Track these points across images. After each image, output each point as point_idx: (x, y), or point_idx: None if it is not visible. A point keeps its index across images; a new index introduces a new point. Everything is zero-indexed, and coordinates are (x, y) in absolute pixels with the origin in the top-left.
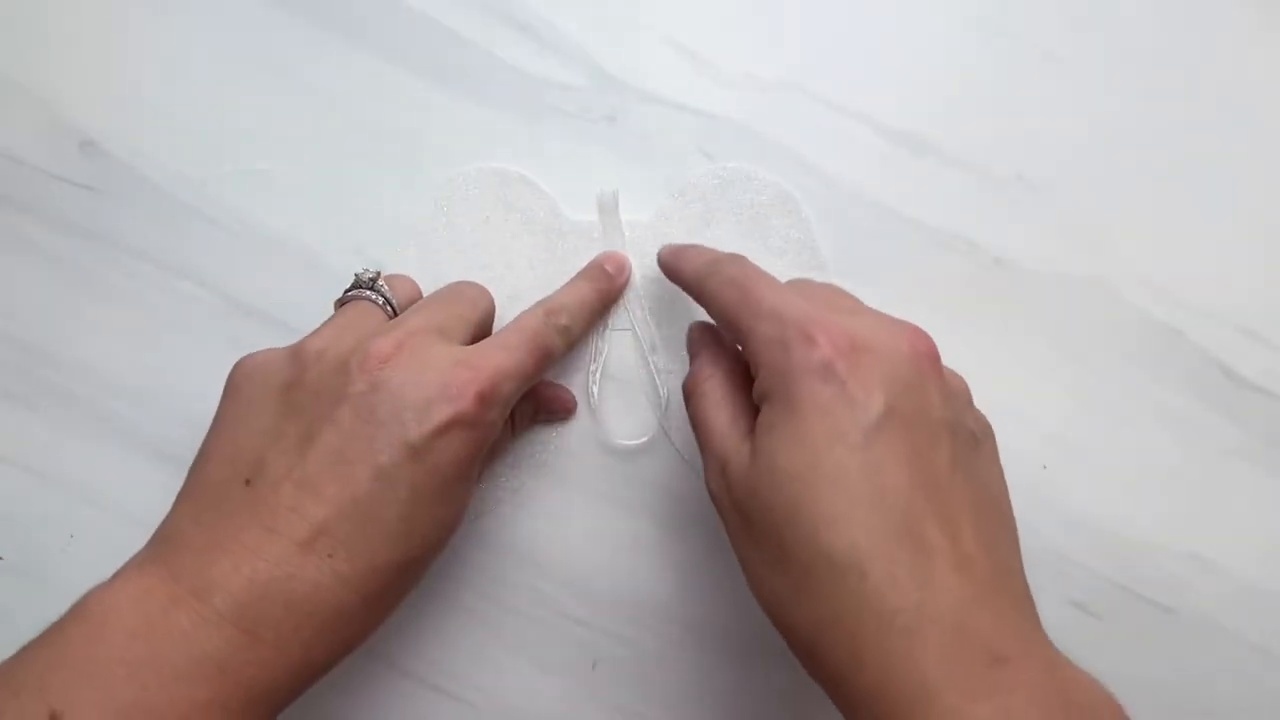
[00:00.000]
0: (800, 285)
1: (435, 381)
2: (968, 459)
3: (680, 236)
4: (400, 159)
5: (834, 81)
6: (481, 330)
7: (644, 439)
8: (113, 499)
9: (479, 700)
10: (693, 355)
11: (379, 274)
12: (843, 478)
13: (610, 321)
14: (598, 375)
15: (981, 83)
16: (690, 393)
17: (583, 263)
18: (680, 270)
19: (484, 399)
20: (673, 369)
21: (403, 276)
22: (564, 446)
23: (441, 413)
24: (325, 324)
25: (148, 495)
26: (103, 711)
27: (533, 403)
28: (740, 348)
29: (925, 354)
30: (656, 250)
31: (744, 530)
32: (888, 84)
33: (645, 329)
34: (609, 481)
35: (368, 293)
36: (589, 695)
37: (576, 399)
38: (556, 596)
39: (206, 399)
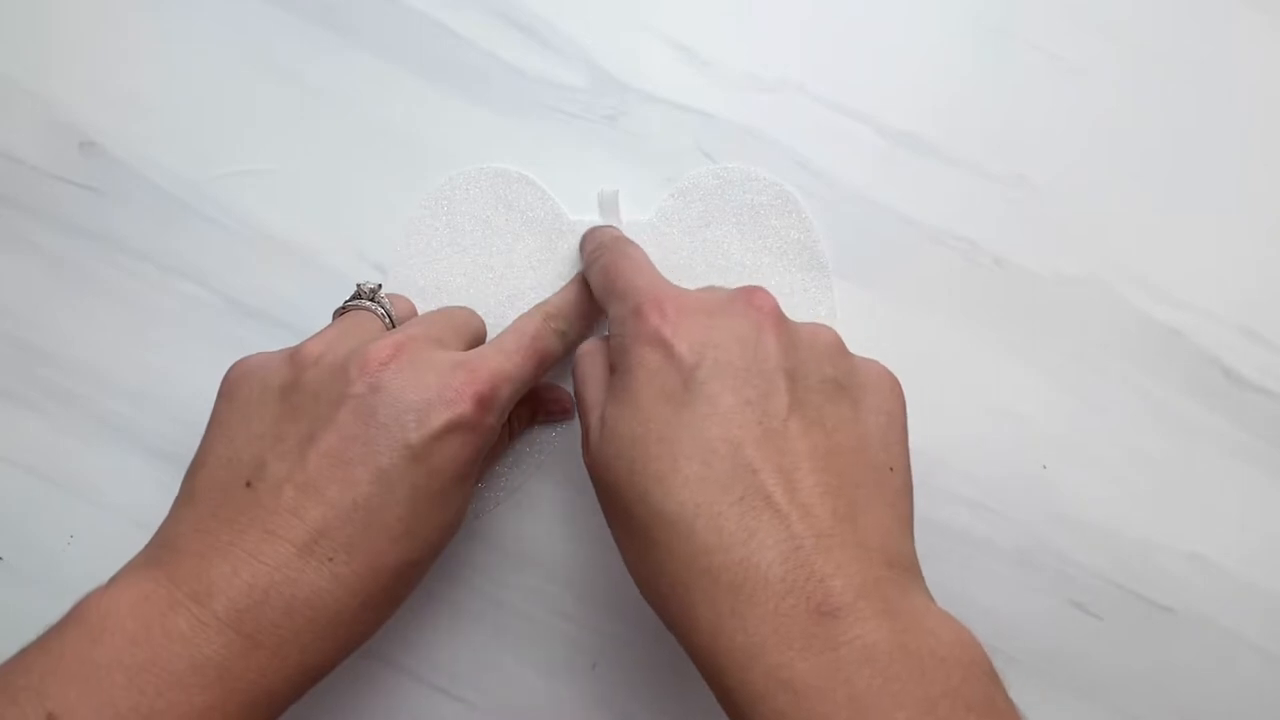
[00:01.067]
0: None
1: (434, 384)
2: (816, 406)
3: (680, 236)
4: (400, 159)
5: (834, 81)
6: (474, 346)
7: None
8: (113, 499)
9: (479, 700)
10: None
11: (379, 286)
12: (670, 435)
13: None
14: None
15: (982, 83)
16: (573, 372)
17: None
18: (583, 259)
19: (482, 402)
20: None
21: (402, 296)
22: (564, 447)
23: (440, 416)
24: (323, 330)
25: (148, 495)
26: (101, 716)
27: (531, 405)
28: None
29: (760, 307)
30: (656, 251)
31: (602, 500)
32: (888, 84)
33: None
34: None
35: (368, 303)
36: (589, 695)
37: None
38: (556, 596)
39: (206, 399)
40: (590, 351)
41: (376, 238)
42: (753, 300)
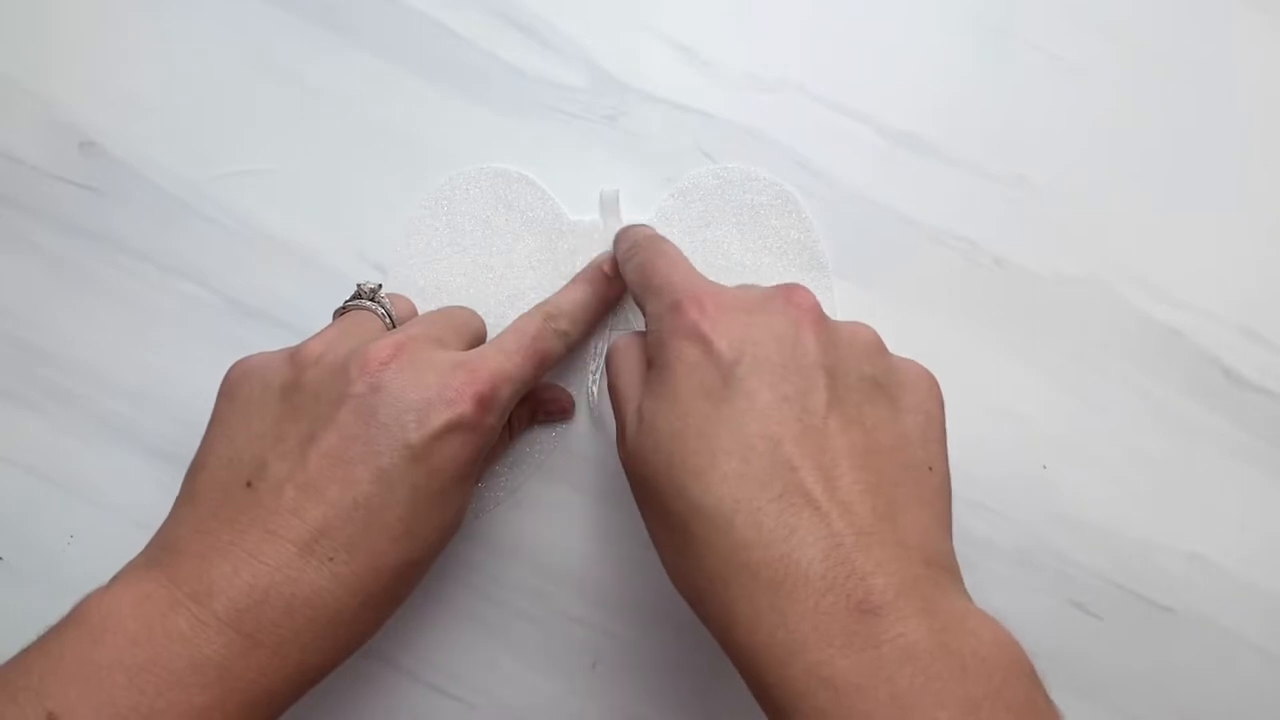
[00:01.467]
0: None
1: (434, 384)
2: (855, 404)
3: (680, 236)
4: (400, 159)
5: (834, 81)
6: (475, 346)
7: None
8: (113, 499)
9: (479, 700)
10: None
11: (380, 286)
12: (709, 430)
13: (610, 322)
14: (597, 376)
15: (982, 83)
16: (607, 366)
17: (583, 263)
18: (617, 257)
19: (483, 402)
20: None
21: (402, 296)
22: (564, 447)
23: (441, 416)
24: (324, 330)
25: (148, 495)
26: (101, 716)
27: (531, 404)
28: None
29: (799, 305)
30: None
31: (638, 494)
32: (888, 84)
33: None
34: (609, 481)
35: (368, 303)
36: (589, 695)
37: (575, 400)
38: (556, 596)
39: (206, 399)
40: (625, 345)
41: (376, 238)
42: (792, 298)
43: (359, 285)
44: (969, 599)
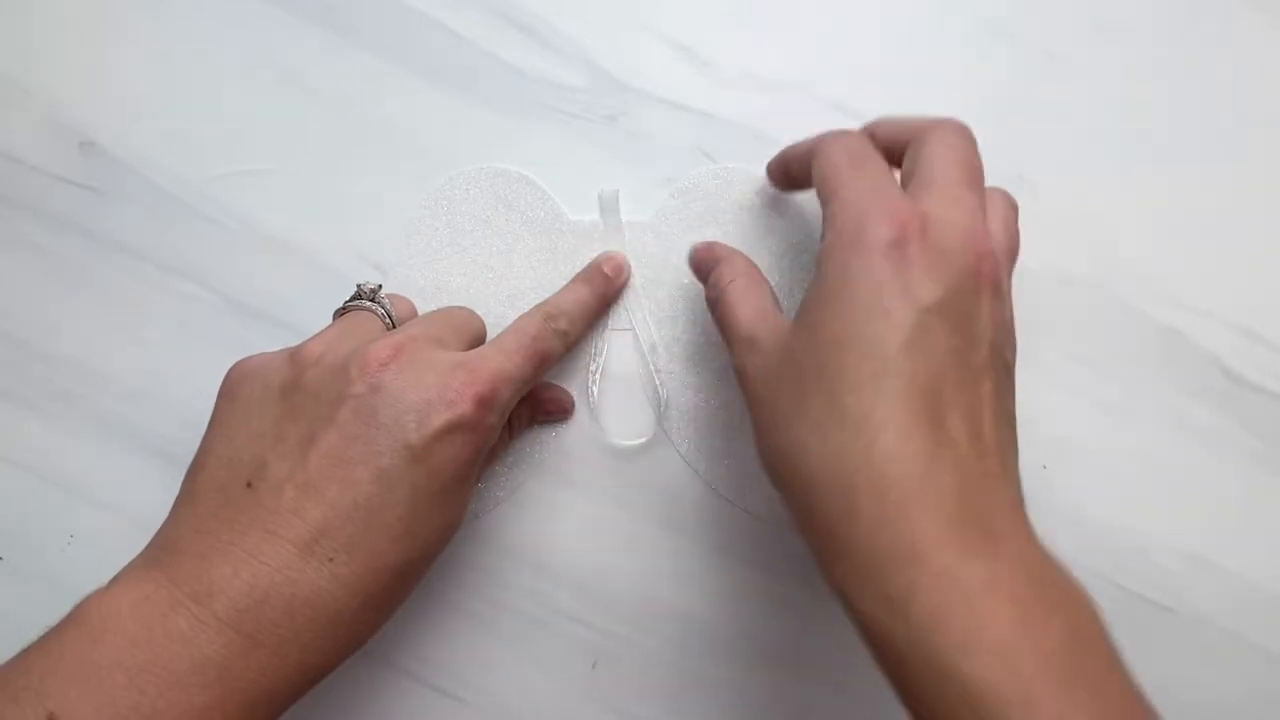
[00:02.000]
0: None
1: (434, 385)
2: (1000, 378)
3: (680, 236)
4: (400, 159)
5: (834, 81)
6: (475, 346)
7: (644, 439)
8: (113, 499)
9: (479, 700)
10: (705, 270)
11: (380, 286)
12: (878, 349)
13: (610, 321)
14: (597, 375)
15: (982, 83)
16: (716, 298)
17: (583, 262)
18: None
19: (482, 403)
20: (673, 369)
21: (402, 296)
22: (563, 446)
23: (440, 416)
24: (324, 330)
25: (148, 495)
26: (102, 716)
27: (530, 404)
28: (823, 209)
29: (988, 274)
30: (657, 250)
31: (765, 387)
32: (888, 84)
33: (645, 329)
34: (609, 481)
35: (368, 303)
36: (589, 695)
37: (575, 400)
38: (556, 596)
39: (206, 399)
40: (733, 278)
41: (376, 238)
42: (983, 266)
43: (359, 285)
44: None
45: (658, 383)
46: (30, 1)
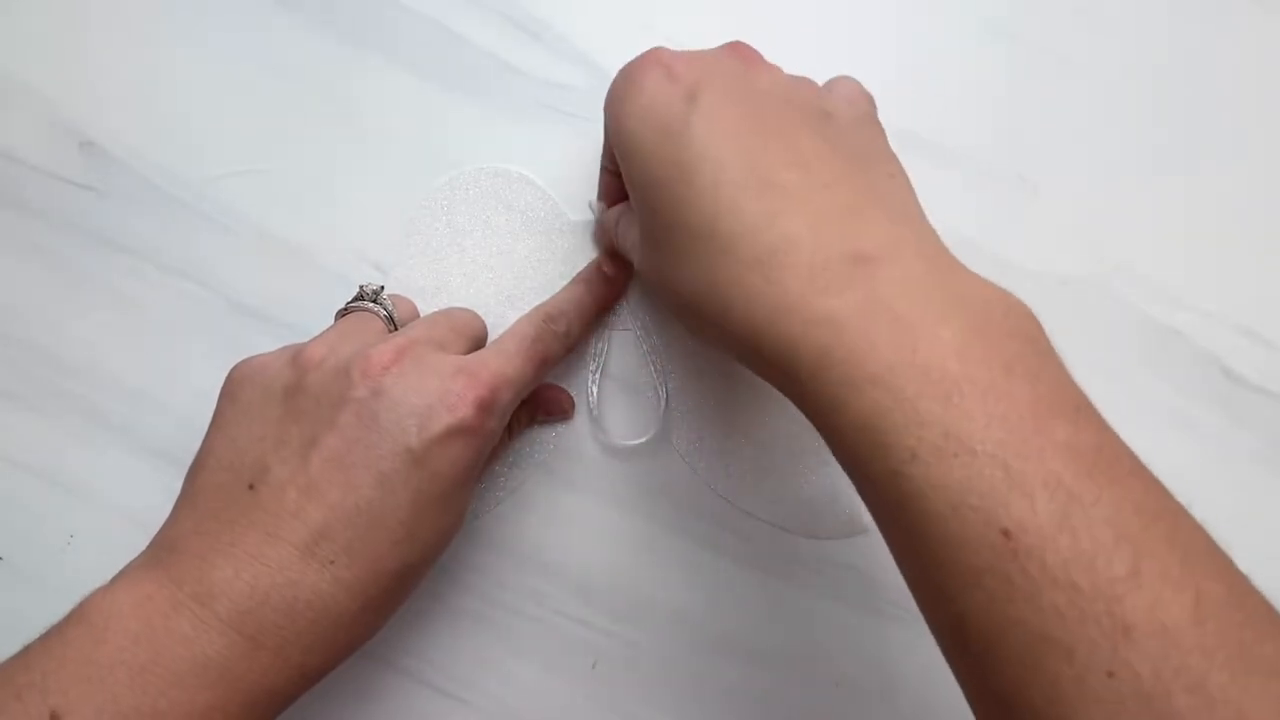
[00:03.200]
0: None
1: (436, 389)
2: (813, 122)
3: None
4: (400, 159)
5: None
6: (476, 348)
7: (644, 439)
8: (113, 499)
9: (479, 700)
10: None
11: (382, 287)
12: (681, 155)
13: (610, 321)
14: (598, 376)
15: (982, 83)
16: (610, 227)
17: (583, 263)
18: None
19: (483, 407)
20: (672, 369)
21: (404, 297)
22: (563, 446)
23: (441, 421)
24: (325, 331)
25: (148, 495)
26: (103, 715)
27: (531, 405)
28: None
29: (744, 53)
30: None
31: (641, 231)
32: (888, 84)
33: (645, 329)
34: (609, 481)
35: (370, 305)
36: (589, 695)
37: (575, 401)
38: (556, 596)
39: (206, 399)
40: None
41: (377, 238)
42: (738, 50)
43: (361, 286)
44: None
45: (657, 383)
46: (31, 2)
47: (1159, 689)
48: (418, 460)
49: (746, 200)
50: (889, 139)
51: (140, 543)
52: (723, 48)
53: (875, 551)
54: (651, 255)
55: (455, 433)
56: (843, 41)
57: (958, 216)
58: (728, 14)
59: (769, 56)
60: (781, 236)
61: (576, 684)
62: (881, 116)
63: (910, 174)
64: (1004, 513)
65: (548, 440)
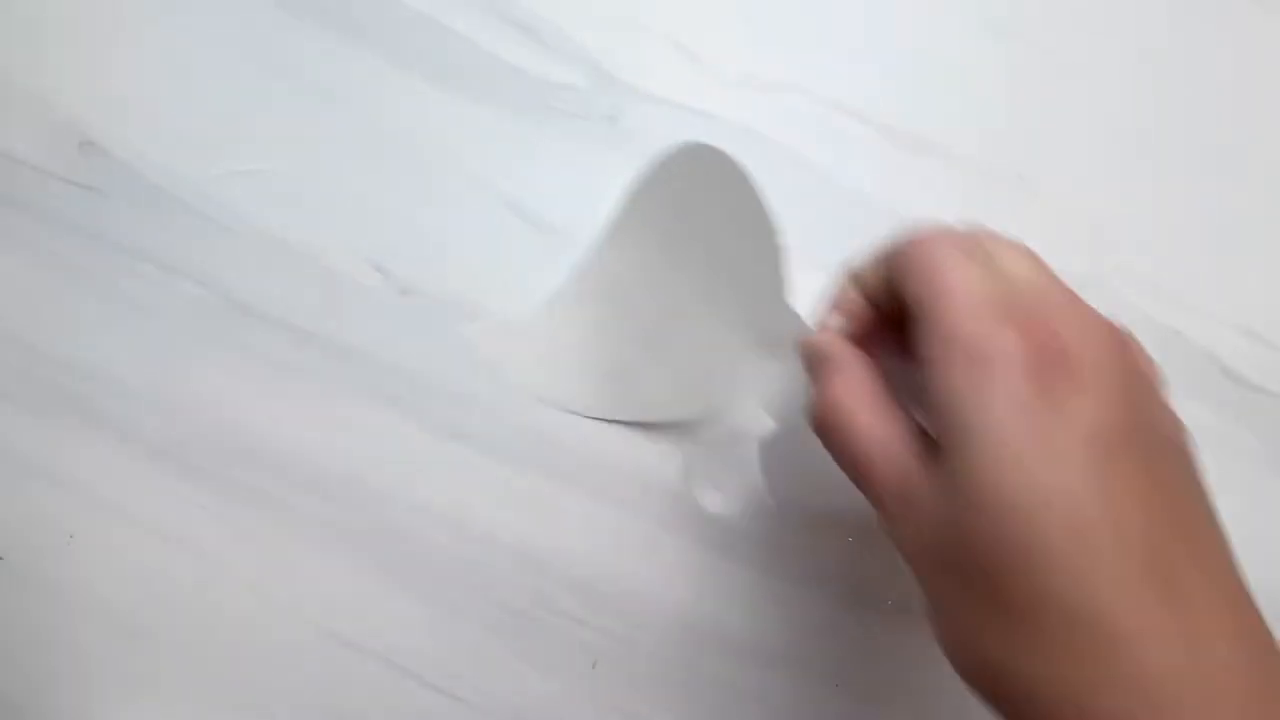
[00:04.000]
0: (985, 254)
1: None
2: (1201, 485)
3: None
4: (400, 159)
5: (834, 81)
6: None
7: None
8: (113, 499)
9: (479, 700)
10: (815, 374)
11: None
12: (1071, 508)
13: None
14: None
15: (982, 83)
16: (827, 423)
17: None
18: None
19: None
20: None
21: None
22: (564, 446)
23: None
24: None
25: (148, 495)
26: None
27: None
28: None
29: (1145, 368)
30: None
31: (943, 573)
32: (888, 84)
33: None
34: (609, 481)
35: None
36: (589, 695)
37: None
38: (556, 596)
39: (207, 399)
40: (846, 393)
41: (377, 238)
42: (1139, 359)
43: None
44: None
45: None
46: (31, 2)
47: None
48: None
49: (1154, 601)
50: (889, 138)
51: (140, 542)
52: (1115, 338)
53: (875, 551)
54: (973, 619)
55: None
56: (843, 42)
57: (958, 216)
58: (728, 15)
59: (769, 56)
60: (1199, 674)
61: (576, 684)
62: (882, 116)
63: (911, 174)
64: None
65: (548, 440)
